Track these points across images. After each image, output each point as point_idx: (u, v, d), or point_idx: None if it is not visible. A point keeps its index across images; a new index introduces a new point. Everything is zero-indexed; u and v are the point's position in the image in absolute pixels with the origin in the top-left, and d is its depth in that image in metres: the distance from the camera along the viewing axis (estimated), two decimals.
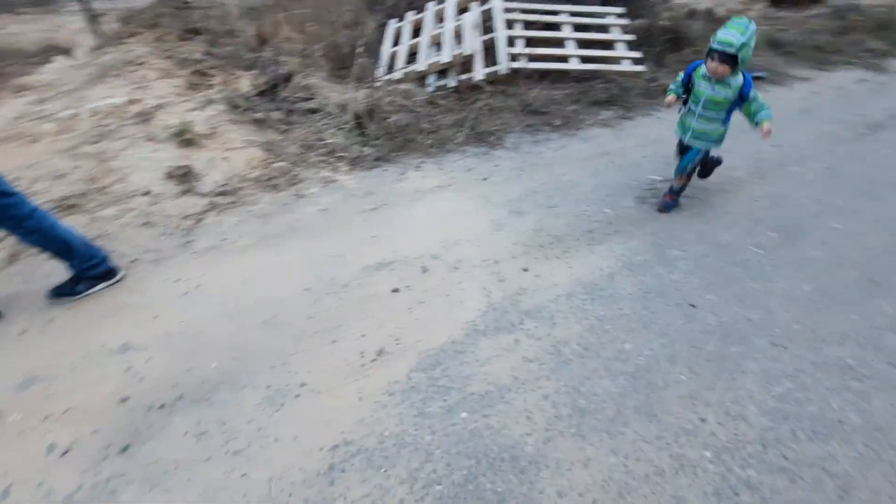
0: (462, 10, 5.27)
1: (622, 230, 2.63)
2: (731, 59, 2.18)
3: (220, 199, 2.97)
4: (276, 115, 3.99)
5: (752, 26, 2.17)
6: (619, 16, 4.96)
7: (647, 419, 1.64)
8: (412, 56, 4.93)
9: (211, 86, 4.78)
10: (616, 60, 4.52)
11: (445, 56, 4.57)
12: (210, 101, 4.02)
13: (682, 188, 2.73)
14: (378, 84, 4.56)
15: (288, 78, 4.48)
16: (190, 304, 2.16)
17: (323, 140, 3.61)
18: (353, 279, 2.29)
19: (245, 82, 4.77)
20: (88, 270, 2.17)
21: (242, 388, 1.76)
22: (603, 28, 4.84)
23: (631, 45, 4.65)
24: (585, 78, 4.38)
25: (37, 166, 3.26)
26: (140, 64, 5.38)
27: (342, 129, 3.75)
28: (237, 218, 2.77)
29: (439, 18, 5.33)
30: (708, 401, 1.70)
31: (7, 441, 1.60)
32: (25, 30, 7.30)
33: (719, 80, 2.30)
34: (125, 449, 1.58)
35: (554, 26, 4.87)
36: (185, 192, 3.02)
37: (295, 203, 2.91)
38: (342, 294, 2.21)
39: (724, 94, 2.34)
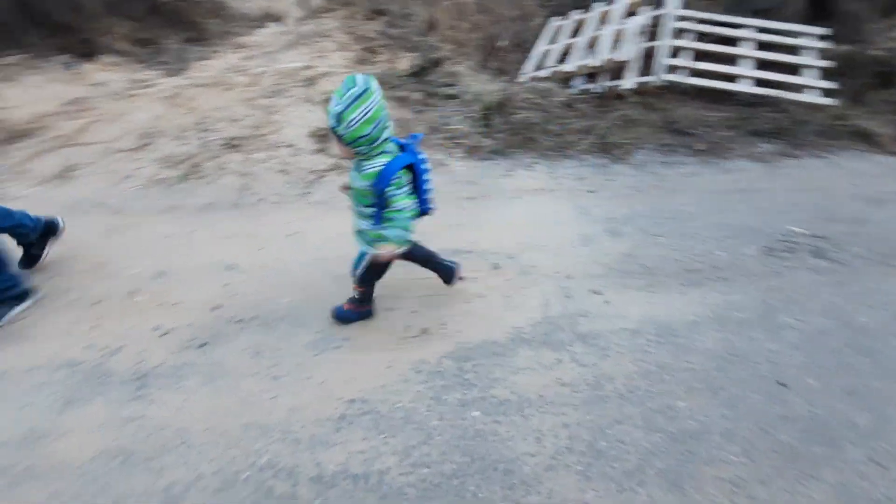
0: (631, 13, 4.95)
1: (730, 279, 2.29)
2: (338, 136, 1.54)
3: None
4: (416, 95, 4.26)
5: (358, 87, 1.48)
6: (821, 37, 4.19)
7: (670, 488, 1.46)
8: (564, 56, 4.81)
9: (375, 62, 5.28)
10: (798, 88, 3.85)
11: (597, 59, 4.38)
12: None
13: (363, 298, 2.01)
14: (521, 79, 4.56)
15: (438, 63, 4.73)
16: (288, 245, 2.49)
17: (448, 125, 3.76)
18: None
19: (404, 63, 5.15)
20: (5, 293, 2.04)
21: (299, 327, 2.00)
22: (792, 49, 4.14)
23: (825, 74, 3.91)
24: (752, 103, 3.82)
25: (223, 109, 3.98)
26: (326, 36, 6.13)
27: (470, 117, 3.85)
28: None
29: (604, 20, 5.09)
30: (754, 495, 1.45)
31: (131, 314, 2.06)
32: None
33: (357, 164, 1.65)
34: (202, 345, 1.92)
35: (731, 41, 4.32)
36: (319, 151, 3.43)
37: None
38: (412, 268, 2.33)
39: (361, 183, 1.65)
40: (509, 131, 3.69)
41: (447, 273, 2.13)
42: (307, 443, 1.56)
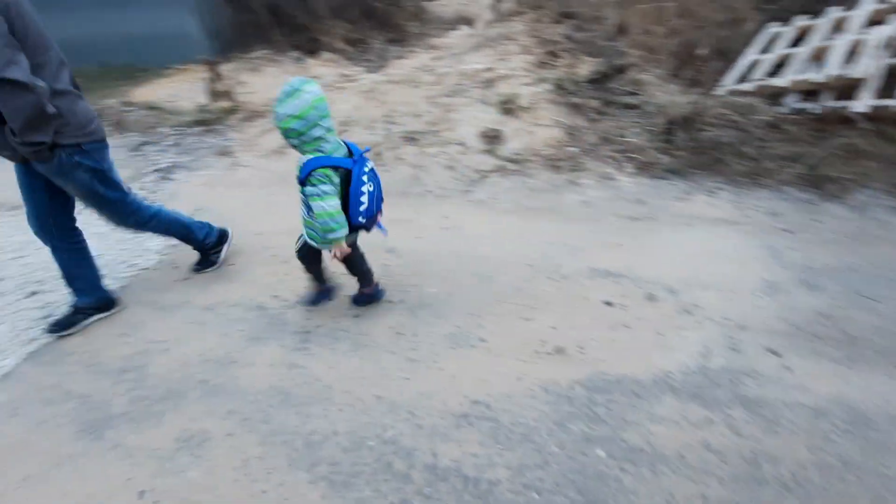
0: (875, 22, 4.00)
1: None
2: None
3: (508, 164, 3.36)
4: (593, 103, 4.09)
5: (290, 87, 1.62)
6: None
7: None
8: (777, 69, 4.12)
9: (555, 66, 5.22)
10: None
11: (821, 74, 3.65)
12: (543, 80, 4.43)
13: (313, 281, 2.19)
14: (718, 92, 4.05)
15: (622, 69, 4.46)
16: (442, 237, 2.63)
17: (623, 137, 3.53)
18: (576, 274, 2.30)
19: (585, 68, 4.99)
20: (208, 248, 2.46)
21: (440, 318, 2.10)
22: None
23: None
24: None
25: (408, 105, 4.36)
26: (511, 39, 6.26)
27: (650, 130, 3.56)
28: (511, 184, 3.10)
29: (838, 28, 4.21)
30: None
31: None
32: (452, 2, 9.42)
33: None
34: (356, 316, 2.15)
35: None
36: (486, 151, 3.53)
37: (565, 187, 3.03)
38: (559, 283, 2.27)
39: (296, 173, 1.77)
40: (693, 149, 3.31)
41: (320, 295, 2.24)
42: (428, 430, 1.63)
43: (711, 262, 2.33)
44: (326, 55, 6.38)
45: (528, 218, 2.76)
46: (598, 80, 4.54)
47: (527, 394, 1.75)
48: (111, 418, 1.78)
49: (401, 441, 1.61)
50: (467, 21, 8.69)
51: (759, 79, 4.09)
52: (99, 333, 2.17)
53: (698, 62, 4.81)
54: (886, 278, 2.17)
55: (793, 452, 1.52)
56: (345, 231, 1.79)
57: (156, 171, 3.68)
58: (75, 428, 1.74)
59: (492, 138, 3.67)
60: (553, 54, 5.54)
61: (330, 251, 1.87)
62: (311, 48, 6.48)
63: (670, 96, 3.84)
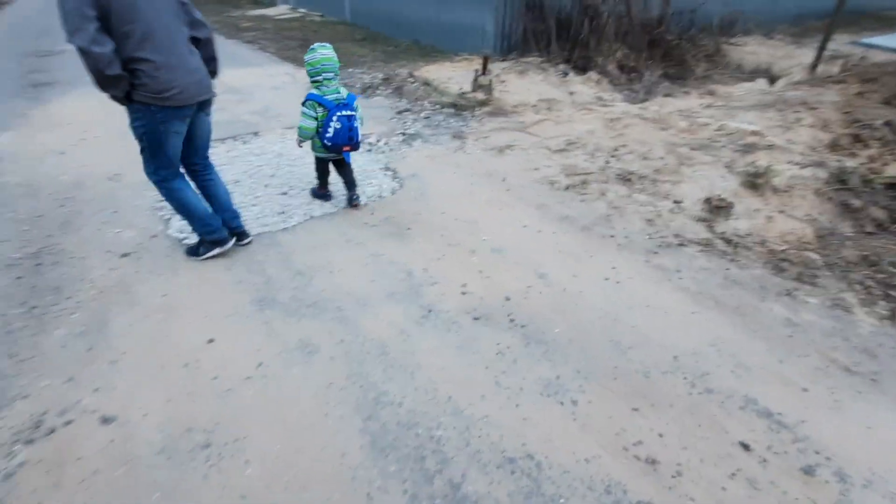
0: None
1: None
2: None
3: (718, 242, 2.91)
4: (878, 213, 3.15)
5: (311, 48, 2.80)
6: None
7: None
8: None
9: (854, 154, 4.17)
10: None
11: None
12: (819, 164, 3.59)
13: (319, 184, 3.25)
14: None
15: None
16: (598, 286, 2.47)
17: (892, 268, 2.65)
18: (724, 395, 1.91)
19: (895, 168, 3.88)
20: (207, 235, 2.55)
21: (545, 360, 2.02)
22: None
23: None
24: None
25: (642, 144, 4.11)
26: (811, 108, 5.24)
27: None
28: (709, 265, 2.68)
29: None
30: None
31: (461, 266, 2.58)
32: (761, 52, 8.23)
33: None
34: (476, 318, 2.23)
35: None
36: (702, 220, 3.11)
37: (774, 296, 2.47)
38: (697, 393, 1.92)
39: None
40: None
41: (351, 198, 3.15)
42: (472, 453, 1.64)
43: None
44: (594, 75, 6.40)
45: (705, 308, 2.36)
46: None
47: (585, 478, 1.58)
48: (274, 302, 2.30)
49: (444, 447, 1.66)
50: (769, 75, 7.55)
51: None
52: (299, 241, 2.78)
53: None
54: None
55: None
56: (302, 137, 2.87)
57: (402, 133, 4.37)
58: (251, 297, 2.32)
59: (717, 209, 3.20)
60: (858, 139, 4.43)
61: (300, 144, 2.97)
62: (583, 65, 6.58)
63: None
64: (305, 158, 3.76)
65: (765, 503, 1.55)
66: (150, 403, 1.80)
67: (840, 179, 3.43)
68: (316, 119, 2.79)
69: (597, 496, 1.54)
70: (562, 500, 1.52)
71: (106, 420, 1.74)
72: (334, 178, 3.20)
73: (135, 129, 2.24)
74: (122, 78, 2.01)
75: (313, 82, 2.80)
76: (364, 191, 3.35)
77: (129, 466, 1.59)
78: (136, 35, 1.99)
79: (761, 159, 3.66)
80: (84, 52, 1.88)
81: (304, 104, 2.79)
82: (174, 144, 2.31)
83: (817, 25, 10.18)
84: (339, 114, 2.77)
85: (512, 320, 2.24)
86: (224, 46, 8.00)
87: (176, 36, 2.15)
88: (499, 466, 1.61)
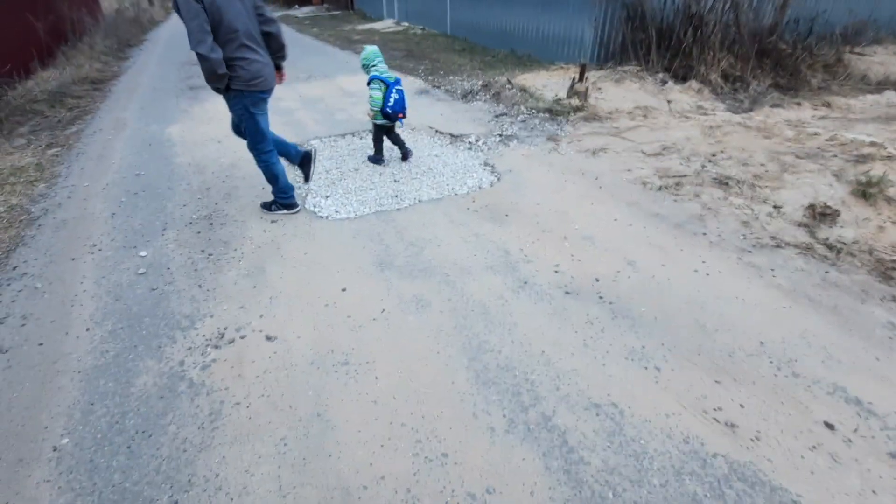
0: None
1: None
2: None
3: (819, 247, 2.88)
4: None
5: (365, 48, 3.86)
6: None
7: None
8: None
9: None
10: None
11: None
12: None
13: (375, 150, 4.17)
14: None
15: None
16: (686, 276, 2.60)
17: None
18: (811, 380, 1.98)
19: None
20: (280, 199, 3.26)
21: (633, 332, 2.22)
22: None
23: None
24: None
25: (742, 151, 4.08)
26: None
27: None
28: (806, 266, 2.69)
29: None
30: None
31: (554, 249, 2.83)
32: (891, 62, 7.53)
33: None
34: (567, 293, 2.47)
35: None
36: (803, 225, 3.09)
37: (876, 300, 2.44)
38: (783, 375, 2.01)
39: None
40: None
41: (405, 153, 4.14)
42: (562, 397, 1.89)
43: None
44: (694, 84, 6.31)
45: (798, 304, 2.40)
46: None
47: (664, 428, 1.77)
48: (391, 265, 2.71)
49: (537, 388, 1.93)
50: None
51: None
52: (410, 219, 3.19)
53: None
54: None
55: None
56: (373, 107, 3.73)
57: (500, 135, 4.71)
58: (372, 260, 2.75)
59: (821, 215, 3.14)
60: None
61: (371, 115, 3.80)
62: (683, 74, 6.51)
63: None
64: (415, 152, 4.23)
65: (848, 475, 1.64)
66: (302, 329, 2.26)
67: None
68: (381, 92, 3.69)
69: (675, 443, 1.72)
70: (641, 441, 1.72)
71: (269, 338, 2.23)
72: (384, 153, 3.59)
73: (235, 112, 2.94)
74: (227, 74, 2.68)
75: (371, 69, 3.72)
76: (465, 183, 3.72)
77: (289, 371, 2.04)
78: (235, 41, 2.66)
79: (876, 169, 3.50)
80: (204, 58, 2.56)
81: (369, 84, 3.72)
82: (264, 122, 2.99)
83: None
84: (396, 88, 3.72)
85: (601, 297, 2.46)
86: (338, 56, 8.92)
87: (258, 36, 2.80)
88: (585, 409, 1.85)
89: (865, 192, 3.24)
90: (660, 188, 3.58)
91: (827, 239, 2.96)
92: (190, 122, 5.33)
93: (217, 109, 5.69)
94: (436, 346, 2.15)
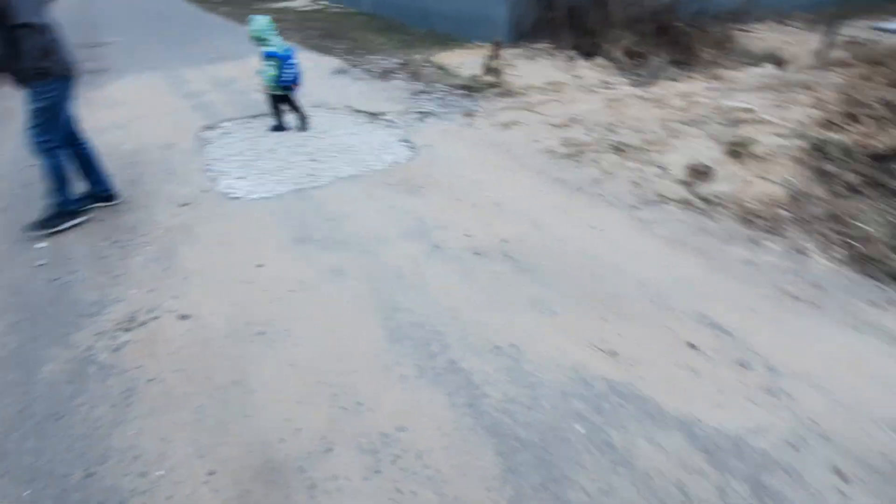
0: None
1: None
2: None
3: (696, 201, 3.27)
4: (851, 177, 3.46)
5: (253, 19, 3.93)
6: None
7: None
8: None
9: (844, 130, 4.44)
10: None
11: None
12: (801, 136, 3.90)
13: (274, 117, 4.33)
14: None
15: None
16: (582, 233, 2.87)
17: (858, 222, 2.98)
18: (681, 312, 2.29)
19: (885, 141, 4.15)
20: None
21: (534, 283, 2.44)
22: None
23: None
24: None
25: (638, 121, 4.46)
26: (809, 89, 5.49)
27: None
28: (685, 218, 3.06)
29: None
30: None
31: (472, 216, 3.01)
32: (771, 38, 8.39)
33: None
34: (477, 253, 2.66)
35: None
36: (684, 183, 3.47)
37: (739, 242, 2.83)
38: (657, 310, 2.31)
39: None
40: None
41: (303, 121, 4.32)
42: (465, 345, 2.08)
43: (850, 372, 2.00)
44: (600, 61, 6.72)
45: (675, 250, 2.75)
46: (883, 158, 3.75)
47: (556, 361, 2.00)
48: (310, 240, 2.77)
49: (446, 339, 2.11)
50: (777, 60, 7.74)
51: None
52: (328, 195, 3.24)
53: None
54: None
55: None
56: (268, 82, 3.95)
57: (418, 112, 4.81)
58: (291, 236, 2.79)
59: (699, 174, 3.55)
60: (851, 117, 4.69)
61: (266, 90, 4.05)
62: (590, 51, 6.90)
63: None
64: (333, 131, 4.24)
65: (706, 385, 1.95)
66: (217, 306, 2.28)
67: (819, 149, 3.74)
68: (275, 68, 3.88)
69: (564, 372, 1.96)
70: (537, 374, 1.95)
71: (183, 317, 2.23)
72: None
73: (47, 102, 2.59)
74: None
75: (263, 42, 3.84)
76: (383, 159, 3.80)
77: (204, 345, 2.07)
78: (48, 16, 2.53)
79: (746, 131, 3.98)
80: (42, 30, 2.41)
81: (265, 59, 3.88)
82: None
83: (835, 12, 10.22)
84: (289, 61, 3.91)
85: (506, 255, 2.67)
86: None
87: None
88: (489, 351, 2.04)
89: (736, 151, 3.69)
90: (563, 156, 3.86)
91: (703, 194, 3.36)
92: (89, 109, 4.95)
93: (120, 96, 5.33)
94: (352, 311, 2.26)
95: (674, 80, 6.55)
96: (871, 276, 2.59)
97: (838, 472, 1.63)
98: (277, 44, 3.88)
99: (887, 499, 1.56)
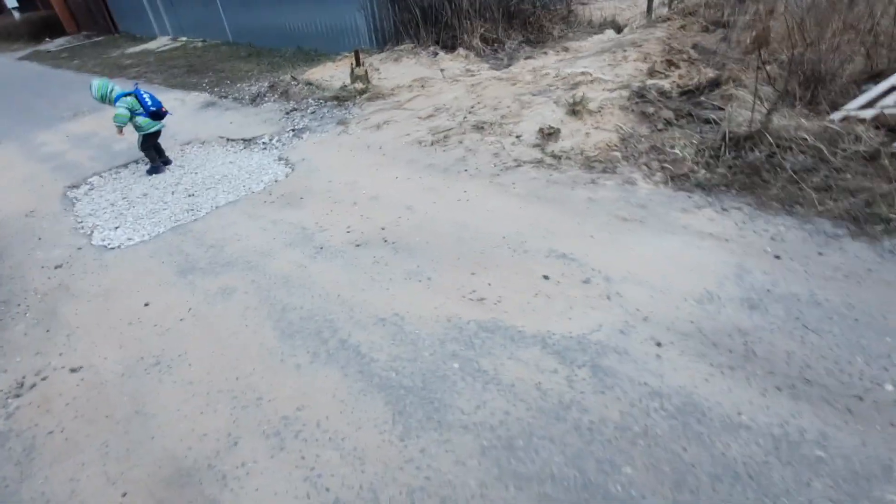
0: None
1: (861, 414, 1.68)
2: None
3: (547, 159, 3.72)
4: (667, 113, 4.09)
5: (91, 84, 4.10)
6: None
7: None
8: None
9: (666, 76, 5.17)
10: None
11: None
12: (625, 87, 4.53)
13: (150, 160, 4.34)
14: (832, 116, 3.70)
15: (717, 84, 4.30)
16: (452, 206, 3.19)
17: (672, 148, 3.57)
18: (536, 252, 2.67)
19: (698, 79, 4.88)
20: None
21: (411, 258, 2.71)
22: None
23: None
24: None
25: (495, 99, 4.90)
26: (638, 46, 6.27)
27: (707, 147, 3.52)
28: (537, 175, 3.48)
29: None
30: None
31: (348, 213, 3.22)
32: (609, 7, 9.38)
33: None
34: (358, 245, 2.88)
35: None
36: (537, 146, 3.92)
37: (583, 185, 3.30)
38: (516, 255, 2.67)
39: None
40: (739, 169, 3.22)
41: (166, 161, 4.40)
42: (356, 322, 2.30)
43: (666, 266, 2.47)
44: (461, 51, 7.18)
45: (530, 203, 3.14)
46: (691, 93, 4.46)
47: (433, 317, 2.29)
48: (194, 269, 2.84)
49: (335, 323, 2.32)
50: (616, 26, 8.66)
51: (886, 106, 3.63)
52: (209, 225, 3.31)
53: (833, 83, 4.32)
54: (848, 318, 2.07)
55: (605, 410, 1.79)
56: (121, 123, 4.02)
57: (293, 129, 4.93)
58: (174, 270, 2.85)
59: (548, 135, 4.02)
60: (671, 63, 5.46)
61: (121, 132, 4.11)
62: (452, 45, 7.35)
63: (749, 114, 3.67)
64: (207, 164, 4.26)
65: (557, 305, 2.32)
66: (108, 352, 2.32)
67: (640, 95, 4.36)
68: (128, 108, 3.99)
69: (440, 324, 2.25)
70: (417, 332, 2.21)
71: (74, 370, 2.25)
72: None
73: None
74: None
75: (108, 99, 4.03)
76: (262, 180, 3.91)
77: (100, 389, 2.12)
78: None
79: (584, 92, 4.54)
80: None
81: (115, 103, 3.99)
82: None
83: None
84: (140, 92, 4.08)
85: (385, 241, 2.92)
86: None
87: None
88: (374, 324, 2.28)
89: (574, 110, 4.22)
90: (432, 143, 4.18)
91: (552, 152, 3.82)
92: None
93: None
94: (244, 321, 2.40)
95: (530, 57, 7.17)
96: (684, 190, 3.15)
97: (656, 342, 2.05)
98: (123, 89, 4.08)
99: (691, 351, 2.00)
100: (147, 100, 4.08)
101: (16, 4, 15.36)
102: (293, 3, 8.16)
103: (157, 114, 4.14)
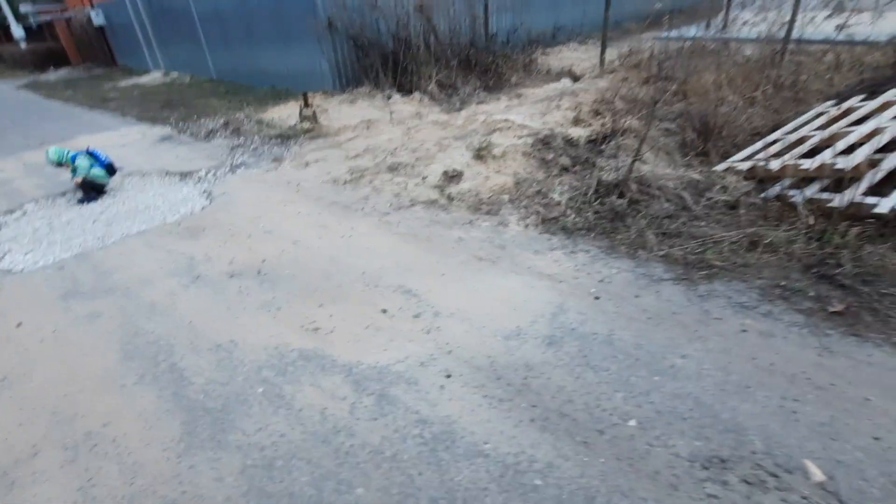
0: None
1: (594, 449, 1.82)
2: None
3: (441, 200, 3.96)
4: (565, 160, 4.35)
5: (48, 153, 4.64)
6: None
7: None
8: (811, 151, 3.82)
9: (586, 125, 5.47)
10: None
11: (810, 162, 3.36)
12: (534, 134, 4.82)
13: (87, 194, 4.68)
14: (716, 168, 3.94)
15: (615, 134, 4.58)
16: (334, 242, 3.41)
17: (552, 193, 3.80)
18: (385, 287, 2.86)
19: (610, 128, 5.16)
20: None
21: (272, 289, 2.92)
22: None
23: None
24: None
25: (421, 142, 5.20)
26: (576, 95, 6.63)
27: (582, 192, 3.75)
28: (424, 215, 3.71)
29: (880, 113, 3.67)
30: None
31: (243, 247, 3.45)
32: (572, 57, 9.88)
33: None
34: (232, 276, 3.10)
35: None
36: (437, 187, 4.17)
37: (460, 226, 3.52)
38: (367, 289, 2.87)
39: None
40: (603, 215, 3.44)
41: (90, 197, 4.65)
42: (192, 348, 2.49)
43: (494, 304, 2.65)
44: (417, 95, 7.60)
45: (406, 242, 3.36)
46: (595, 141, 4.74)
47: (263, 345, 2.47)
48: (76, 293, 3.07)
49: (174, 347, 2.51)
50: (573, 75, 9.10)
51: (760, 159, 3.86)
52: (110, 253, 3.56)
53: (724, 136, 4.59)
54: (631, 357, 2.22)
55: (369, 435, 1.94)
56: (85, 174, 4.50)
57: (231, 165, 5.25)
58: (58, 293, 3.08)
59: (451, 177, 4.28)
60: (596, 113, 5.78)
61: (80, 182, 4.55)
62: (409, 88, 7.78)
63: (627, 164, 3.91)
64: (138, 195, 4.56)
65: (380, 338, 2.49)
66: None
67: (544, 142, 4.64)
68: (87, 159, 4.60)
69: (267, 351, 2.43)
70: (242, 358, 2.39)
71: None
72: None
73: None
74: None
75: (68, 160, 4.55)
76: (179, 211, 4.18)
77: None
78: None
79: (495, 138, 4.83)
80: None
81: (74, 162, 4.54)
82: None
83: (630, 27, 12.09)
84: (93, 151, 4.73)
85: (259, 272, 3.14)
86: (83, 117, 8.59)
87: None
88: (208, 350, 2.47)
89: (480, 154, 4.49)
90: (345, 182, 4.46)
91: (449, 193, 4.07)
92: None
93: None
94: (96, 344, 2.60)
95: (482, 102, 7.56)
96: (549, 232, 3.36)
97: (447, 374, 2.21)
98: (74, 152, 4.66)
99: (473, 383, 2.15)
100: (102, 156, 4.73)
101: (23, 35, 16.36)
102: (267, 46, 8.72)
103: (111, 168, 4.76)
